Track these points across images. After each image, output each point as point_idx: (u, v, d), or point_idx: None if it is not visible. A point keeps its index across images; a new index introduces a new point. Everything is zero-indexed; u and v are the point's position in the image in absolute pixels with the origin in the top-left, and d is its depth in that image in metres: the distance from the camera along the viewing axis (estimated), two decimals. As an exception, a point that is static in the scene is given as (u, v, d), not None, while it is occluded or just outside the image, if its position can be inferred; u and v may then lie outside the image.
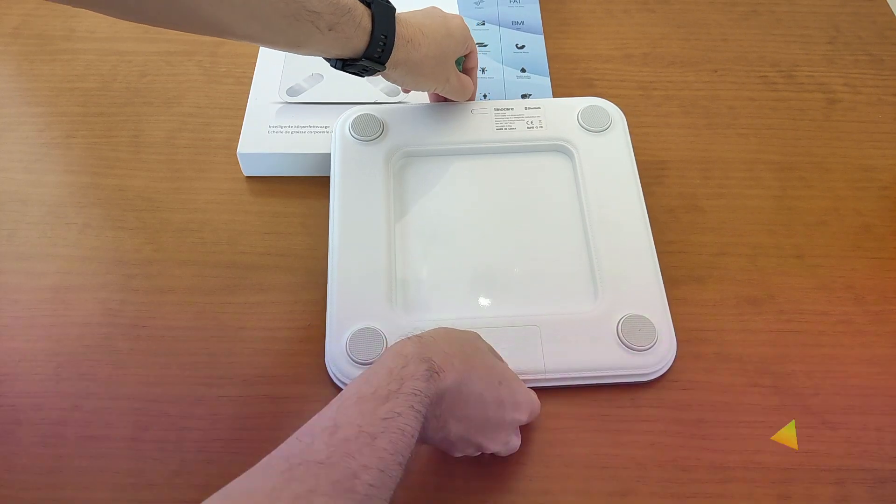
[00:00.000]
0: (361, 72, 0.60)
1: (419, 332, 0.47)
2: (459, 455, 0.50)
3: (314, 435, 0.39)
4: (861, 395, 0.58)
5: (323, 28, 0.54)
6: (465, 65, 0.68)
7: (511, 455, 0.54)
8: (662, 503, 0.53)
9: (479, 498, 0.53)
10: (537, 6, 0.84)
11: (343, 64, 0.59)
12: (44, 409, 0.57)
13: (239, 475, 0.54)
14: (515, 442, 0.53)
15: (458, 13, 0.82)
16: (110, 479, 0.54)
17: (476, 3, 0.83)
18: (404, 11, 0.61)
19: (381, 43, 0.57)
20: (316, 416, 0.41)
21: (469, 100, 0.70)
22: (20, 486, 0.54)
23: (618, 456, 0.55)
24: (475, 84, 0.70)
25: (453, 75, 0.65)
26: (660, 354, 0.58)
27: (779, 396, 0.58)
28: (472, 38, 0.66)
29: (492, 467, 0.54)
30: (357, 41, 0.57)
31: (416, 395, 0.41)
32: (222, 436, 0.56)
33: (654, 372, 0.58)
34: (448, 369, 0.45)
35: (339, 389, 0.57)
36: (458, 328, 0.50)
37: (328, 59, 0.60)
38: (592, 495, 0.54)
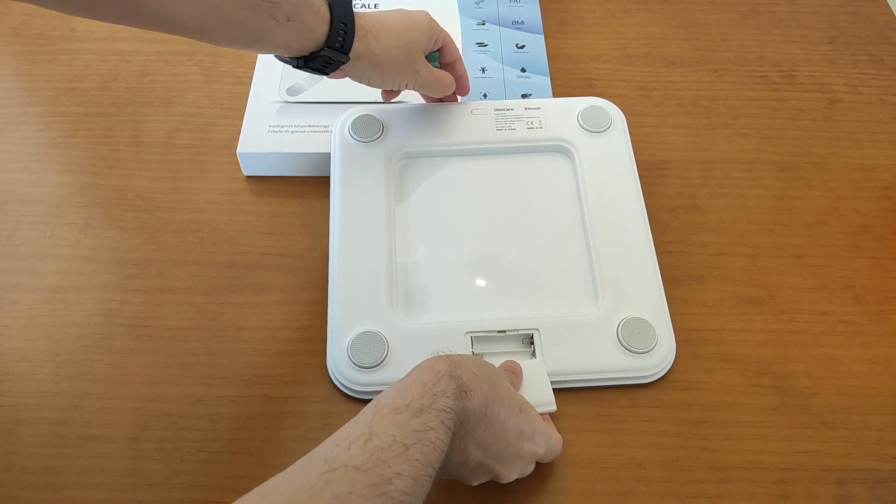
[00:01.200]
0: (325, 65, 0.58)
1: (448, 353, 0.46)
2: (477, 483, 0.50)
3: (351, 440, 0.39)
4: (861, 395, 0.58)
5: (280, 19, 0.53)
6: (442, 60, 0.67)
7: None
8: (662, 503, 0.53)
9: (478, 497, 0.53)
10: (537, 6, 0.84)
11: (305, 61, 0.58)
12: (44, 409, 0.57)
13: (239, 475, 0.54)
14: (530, 469, 0.52)
15: (458, 13, 0.82)
16: (110, 479, 0.54)
17: (476, 3, 0.83)
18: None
19: (341, 31, 0.56)
20: (350, 422, 0.42)
21: (455, 93, 0.68)
22: (20, 486, 0.54)
23: (618, 456, 0.55)
24: (464, 77, 0.68)
25: (423, 68, 0.63)
26: (659, 356, 0.58)
27: (779, 396, 0.58)
28: (441, 30, 0.64)
29: (492, 467, 0.54)
30: (317, 30, 0.55)
31: (446, 412, 0.42)
32: (222, 436, 0.56)
33: (654, 374, 0.58)
34: (475, 389, 0.45)
35: (340, 391, 0.57)
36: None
37: (288, 61, 0.58)
38: (592, 495, 0.54)
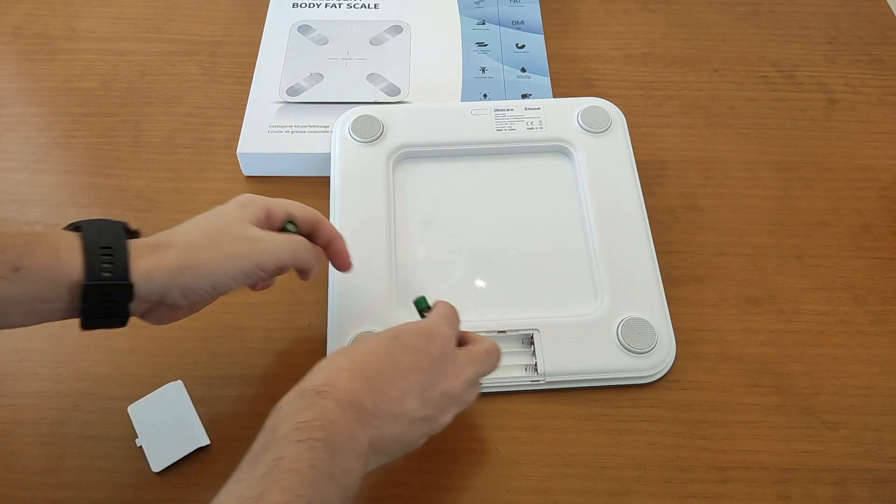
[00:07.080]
0: (107, 303, 0.44)
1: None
2: (420, 444, 0.47)
3: None
4: (861, 395, 0.58)
5: (6, 271, 0.41)
6: (307, 230, 0.55)
7: (511, 455, 0.55)
8: (662, 503, 0.53)
9: (478, 497, 0.53)
10: (537, 6, 0.84)
11: (82, 311, 0.44)
12: (44, 409, 0.57)
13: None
14: (472, 394, 0.49)
15: (458, 13, 0.82)
16: (110, 479, 0.54)
17: (476, 2, 0.83)
18: None
19: (105, 255, 0.44)
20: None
21: (337, 267, 0.56)
22: (20, 486, 0.54)
23: (618, 456, 0.55)
24: (341, 252, 0.56)
25: (257, 233, 0.50)
26: (659, 357, 0.58)
27: (779, 396, 0.58)
28: (274, 203, 0.52)
29: (491, 467, 0.54)
30: (68, 268, 0.43)
31: (298, 429, 0.39)
32: (222, 436, 0.56)
33: (654, 374, 0.58)
34: (338, 378, 0.43)
35: (339, 389, 0.57)
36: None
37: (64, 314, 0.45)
38: (592, 495, 0.54)
